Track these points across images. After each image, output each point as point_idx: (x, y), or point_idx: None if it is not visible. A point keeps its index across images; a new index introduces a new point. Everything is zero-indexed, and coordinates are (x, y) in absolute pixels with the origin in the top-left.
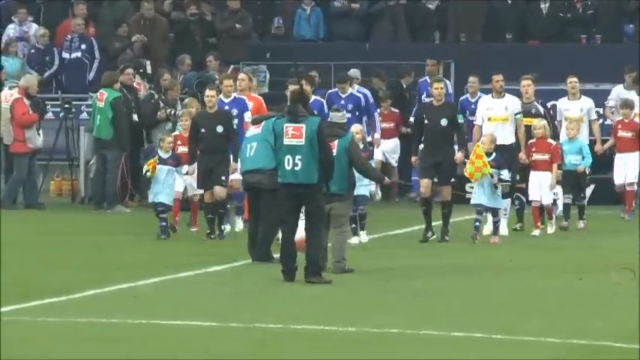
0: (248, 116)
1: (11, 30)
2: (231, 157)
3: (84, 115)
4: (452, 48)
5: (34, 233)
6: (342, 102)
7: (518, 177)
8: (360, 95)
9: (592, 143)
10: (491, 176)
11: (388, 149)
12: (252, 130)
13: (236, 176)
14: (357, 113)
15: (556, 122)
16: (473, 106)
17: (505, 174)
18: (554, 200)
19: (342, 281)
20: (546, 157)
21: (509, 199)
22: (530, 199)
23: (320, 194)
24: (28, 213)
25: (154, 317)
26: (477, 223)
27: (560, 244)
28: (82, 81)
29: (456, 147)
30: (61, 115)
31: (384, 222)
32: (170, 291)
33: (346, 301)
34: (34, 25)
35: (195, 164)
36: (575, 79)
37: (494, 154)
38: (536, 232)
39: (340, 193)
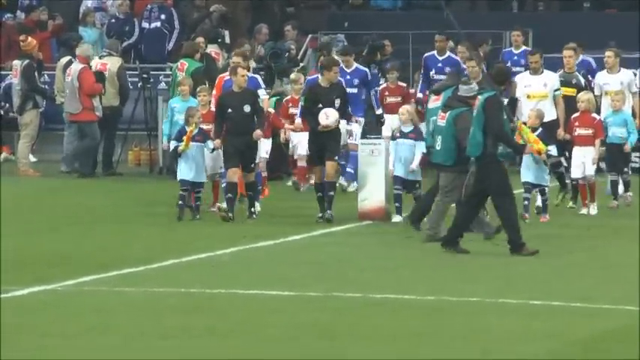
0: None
1: (89, 1)
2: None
3: (162, 85)
4: (530, 17)
5: (111, 204)
6: (348, 77)
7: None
8: (366, 69)
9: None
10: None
11: (394, 125)
12: (433, 103)
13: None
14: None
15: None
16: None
17: (553, 150)
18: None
19: (420, 250)
20: (589, 132)
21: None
22: (573, 176)
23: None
24: (106, 182)
25: (232, 287)
26: (526, 202)
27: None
28: (161, 51)
29: None
30: (139, 85)
31: None
32: (248, 260)
33: (425, 269)
34: None
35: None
36: (610, 53)
37: (539, 130)
38: (585, 211)
39: (445, 165)
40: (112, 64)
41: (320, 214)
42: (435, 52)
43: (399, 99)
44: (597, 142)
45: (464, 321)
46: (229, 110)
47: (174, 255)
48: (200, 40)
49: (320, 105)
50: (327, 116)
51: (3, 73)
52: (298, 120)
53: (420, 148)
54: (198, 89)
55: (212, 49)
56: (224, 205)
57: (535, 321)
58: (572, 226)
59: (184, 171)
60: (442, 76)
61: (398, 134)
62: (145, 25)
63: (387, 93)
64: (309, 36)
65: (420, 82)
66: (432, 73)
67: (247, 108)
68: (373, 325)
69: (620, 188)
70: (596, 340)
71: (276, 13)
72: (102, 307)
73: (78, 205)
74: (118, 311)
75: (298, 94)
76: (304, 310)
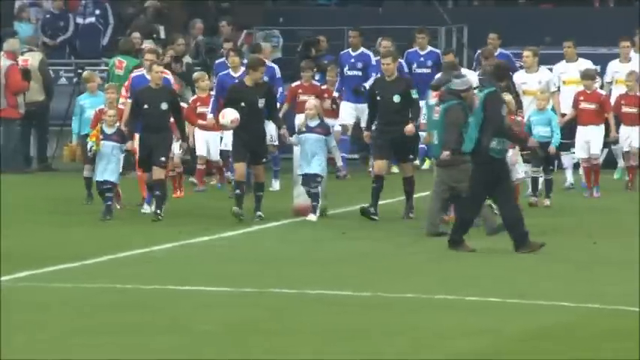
0: None
1: None
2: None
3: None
4: (465, 12)
5: (47, 198)
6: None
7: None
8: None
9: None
10: None
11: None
12: (434, 99)
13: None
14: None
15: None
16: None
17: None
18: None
19: (361, 245)
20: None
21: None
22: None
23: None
24: (41, 177)
25: (167, 283)
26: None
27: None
28: (96, 46)
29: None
30: (74, 80)
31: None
32: (184, 257)
33: (363, 265)
34: None
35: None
36: (528, 53)
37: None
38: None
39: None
40: (33, 59)
41: (237, 208)
42: (349, 49)
43: (313, 97)
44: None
45: (399, 317)
46: (145, 106)
47: (110, 251)
48: (136, 35)
49: (242, 104)
50: (223, 116)
51: None
52: (210, 116)
53: (331, 142)
54: (105, 86)
55: (147, 45)
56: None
57: (470, 317)
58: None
59: (101, 171)
60: (355, 72)
61: (304, 129)
62: (80, 20)
63: (300, 91)
64: (245, 31)
65: (338, 80)
66: (345, 69)
67: (164, 105)
68: (309, 322)
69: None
70: (531, 336)
71: (210, 8)
72: (37, 303)
73: (13, 202)
74: (52, 307)
75: (205, 93)
76: (239, 306)
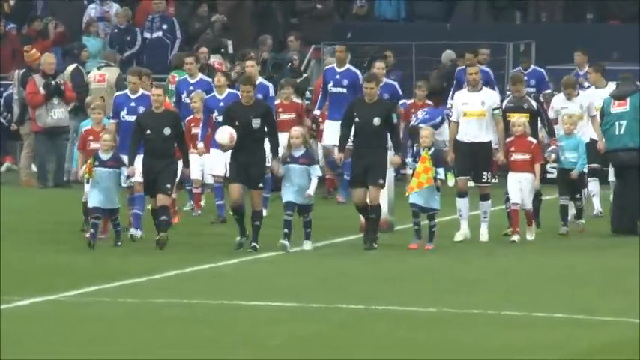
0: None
1: (92, 10)
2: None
3: None
4: (532, 28)
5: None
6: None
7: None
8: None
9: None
10: (434, 179)
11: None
12: (618, 107)
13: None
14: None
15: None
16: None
17: (441, 172)
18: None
19: (423, 262)
20: (526, 157)
21: (489, 202)
22: (512, 201)
23: None
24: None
25: (235, 298)
26: (417, 227)
27: None
28: (164, 61)
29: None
30: None
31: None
32: (250, 272)
33: (427, 281)
34: (115, 5)
35: (137, 166)
36: (591, 69)
37: (432, 149)
38: (515, 238)
39: (628, 147)
40: (110, 74)
41: (239, 238)
42: (334, 64)
43: (293, 116)
44: (537, 167)
45: (466, 333)
46: (148, 132)
47: (177, 266)
48: (203, 50)
49: (237, 123)
50: (220, 135)
51: (6, 82)
52: (200, 145)
53: (315, 172)
54: (92, 106)
55: (215, 60)
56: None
57: (537, 333)
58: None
59: (94, 199)
60: (340, 89)
61: (288, 159)
62: (147, 35)
63: (280, 110)
64: (312, 47)
65: (320, 97)
66: (329, 86)
67: (167, 130)
68: (375, 337)
69: (572, 214)
70: (598, 352)
71: (279, 24)
72: (104, 318)
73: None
74: (120, 322)
75: (199, 114)
76: (307, 321)
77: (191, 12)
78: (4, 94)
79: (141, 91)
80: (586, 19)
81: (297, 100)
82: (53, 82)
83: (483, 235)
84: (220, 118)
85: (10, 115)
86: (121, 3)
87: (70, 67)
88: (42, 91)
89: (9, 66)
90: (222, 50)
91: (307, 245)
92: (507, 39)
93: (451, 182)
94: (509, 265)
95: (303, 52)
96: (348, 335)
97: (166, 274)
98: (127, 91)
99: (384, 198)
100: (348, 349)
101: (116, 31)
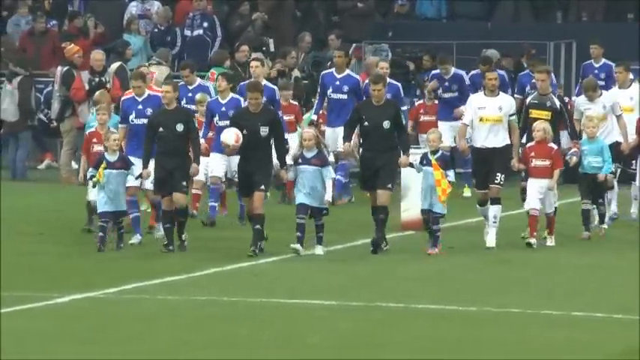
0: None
1: (133, 7)
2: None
3: None
4: (573, 27)
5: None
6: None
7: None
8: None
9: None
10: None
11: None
12: None
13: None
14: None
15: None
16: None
17: (451, 175)
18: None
19: (462, 261)
20: (547, 162)
21: (500, 206)
22: (532, 207)
23: None
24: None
25: (274, 296)
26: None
27: None
28: (204, 58)
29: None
30: None
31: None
32: (289, 270)
33: (466, 280)
34: (156, 3)
35: (151, 167)
36: (620, 68)
37: (439, 152)
38: (532, 241)
39: None
40: (159, 72)
41: (253, 247)
42: (333, 69)
43: (292, 117)
44: (556, 172)
45: (506, 332)
46: (160, 129)
47: (217, 264)
48: (244, 48)
49: (245, 132)
50: (227, 134)
51: (47, 80)
52: (202, 141)
53: (329, 174)
54: (96, 107)
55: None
56: (160, 233)
57: (576, 332)
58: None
59: (102, 202)
60: (340, 95)
61: (300, 160)
62: (188, 33)
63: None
64: (353, 45)
65: (317, 102)
66: (329, 91)
67: (180, 127)
68: (414, 336)
69: (596, 219)
70: (638, 351)
71: (320, 22)
72: (143, 315)
73: None
74: (159, 319)
75: (202, 116)
76: (346, 319)
77: (232, 10)
78: (44, 91)
79: (147, 92)
80: (627, 18)
81: (294, 102)
82: (96, 80)
83: (491, 241)
84: (222, 123)
85: (49, 112)
86: (161, 2)
87: (115, 65)
88: (87, 87)
89: (49, 63)
90: (264, 48)
91: (319, 250)
92: (548, 38)
93: (467, 193)
94: (549, 264)
95: (344, 50)
96: (387, 334)
97: (206, 272)
98: (133, 94)
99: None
100: (386, 348)
101: (156, 30)
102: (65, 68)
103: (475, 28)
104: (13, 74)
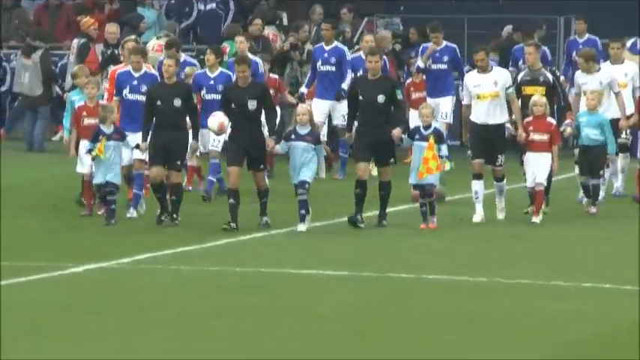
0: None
1: None
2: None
3: None
4: (583, 2)
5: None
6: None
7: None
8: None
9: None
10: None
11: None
12: None
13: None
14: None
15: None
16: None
17: (444, 149)
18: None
19: (472, 233)
20: (545, 137)
21: (504, 182)
22: (536, 182)
23: None
24: None
25: (286, 266)
26: (423, 208)
27: None
28: (217, 32)
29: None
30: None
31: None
32: (302, 241)
33: (477, 252)
34: None
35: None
36: (615, 44)
37: (432, 127)
38: (537, 220)
39: None
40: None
41: (229, 222)
42: (322, 43)
43: (273, 92)
44: (555, 149)
45: (516, 303)
46: (158, 102)
47: (230, 235)
48: (258, 22)
49: (233, 106)
50: (212, 120)
51: (61, 52)
52: None
53: (320, 152)
54: (85, 81)
55: (269, 31)
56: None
57: (586, 303)
58: (618, 208)
59: (102, 174)
60: (329, 67)
61: (293, 136)
62: (201, 6)
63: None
64: (366, 19)
65: (309, 75)
66: (318, 64)
67: (178, 102)
68: (425, 307)
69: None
70: None
71: None
72: (156, 285)
73: None
74: (172, 289)
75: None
76: (358, 290)
77: None
78: (59, 64)
79: (144, 69)
80: None
81: (273, 75)
82: (108, 52)
83: (500, 211)
84: (209, 97)
85: (64, 83)
86: None
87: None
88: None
89: (64, 36)
90: (277, 22)
91: (301, 227)
92: (558, 13)
93: (447, 167)
94: (559, 236)
95: (356, 24)
96: (398, 304)
97: (219, 243)
98: (129, 68)
99: None
100: (397, 319)
101: (173, 1)
102: (82, 41)
103: (487, 3)
104: (32, 48)
